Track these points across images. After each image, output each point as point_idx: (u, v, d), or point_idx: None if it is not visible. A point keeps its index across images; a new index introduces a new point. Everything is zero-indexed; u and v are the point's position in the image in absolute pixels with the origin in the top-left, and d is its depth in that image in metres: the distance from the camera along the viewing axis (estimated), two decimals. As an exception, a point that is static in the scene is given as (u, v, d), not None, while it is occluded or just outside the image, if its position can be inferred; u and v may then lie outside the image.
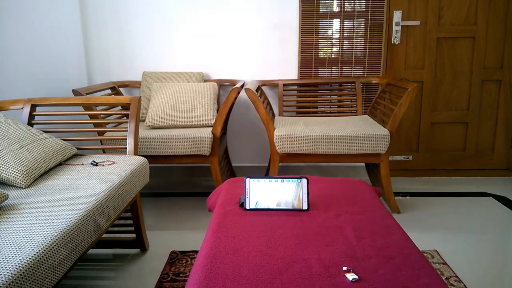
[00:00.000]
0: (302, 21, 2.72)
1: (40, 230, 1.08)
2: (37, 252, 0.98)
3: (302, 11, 2.71)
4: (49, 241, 1.04)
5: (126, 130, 1.83)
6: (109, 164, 1.66)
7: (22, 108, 1.89)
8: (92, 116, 2.16)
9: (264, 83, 2.76)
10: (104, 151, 2.22)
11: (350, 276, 0.94)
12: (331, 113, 2.76)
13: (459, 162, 2.96)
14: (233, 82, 2.72)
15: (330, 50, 2.77)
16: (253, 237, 1.15)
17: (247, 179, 1.36)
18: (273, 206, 1.34)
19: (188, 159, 2.22)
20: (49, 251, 1.02)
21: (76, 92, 2.13)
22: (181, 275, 1.71)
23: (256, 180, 1.36)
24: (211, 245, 1.11)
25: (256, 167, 2.97)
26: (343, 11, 2.71)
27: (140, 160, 1.73)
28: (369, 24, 2.72)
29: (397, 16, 2.71)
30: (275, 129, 2.20)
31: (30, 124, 1.87)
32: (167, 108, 2.33)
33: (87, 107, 2.08)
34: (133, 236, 1.95)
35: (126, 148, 1.82)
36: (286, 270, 0.98)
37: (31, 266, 0.94)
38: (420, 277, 0.95)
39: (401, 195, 2.59)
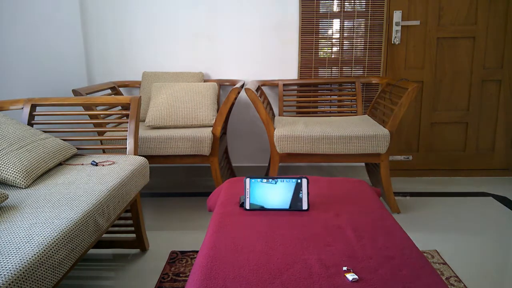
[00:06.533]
0: (302, 21, 2.72)
1: (40, 230, 1.08)
2: (37, 252, 0.98)
3: (302, 11, 2.71)
4: (49, 241, 1.04)
5: (126, 130, 1.83)
6: (109, 164, 1.65)
7: (22, 108, 1.89)
8: (92, 116, 2.16)
9: (264, 83, 2.76)
10: (104, 151, 2.22)
11: (350, 276, 0.94)
12: (331, 113, 2.76)
13: (459, 162, 2.96)
14: (233, 82, 2.72)
15: (330, 50, 2.77)
16: (253, 237, 1.15)
17: (247, 179, 1.36)
18: (273, 206, 1.34)
19: (188, 159, 2.22)
20: (49, 251, 1.02)
21: (76, 92, 2.13)
22: (181, 275, 1.71)
23: (256, 180, 1.36)
24: (211, 245, 1.11)
25: (256, 167, 2.97)
26: (343, 11, 2.71)
27: (140, 160, 1.73)
28: (369, 24, 2.72)
29: (397, 16, 2.71)
30: (275, 129, 2.20)
31: (30, 124, 1.87)
32: (167, 108, 2.33)
33: (87, 107, 2.08)
34: (133, 236, 1.95)
35: (126, 148, 1.82)
36: (286, 270, 0.98)
37: (31, 266, 0.94)
38: (420, 277, 0.95)
39: (401, 195, 2.59)
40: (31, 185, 1.43)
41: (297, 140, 2.15)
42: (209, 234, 1.18)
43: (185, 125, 2.33)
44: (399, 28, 2.73)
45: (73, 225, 1.15)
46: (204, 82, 2.72)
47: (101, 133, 2.21)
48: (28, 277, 0.93)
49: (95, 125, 2.18)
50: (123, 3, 2.74)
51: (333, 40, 2.75)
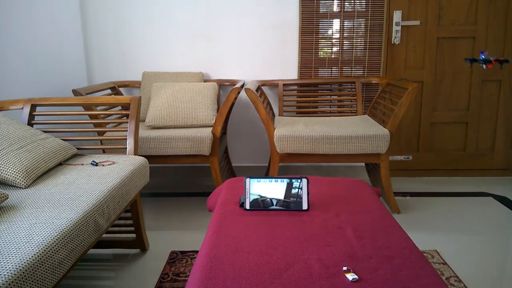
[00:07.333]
0: (302, 21, 2.72)
1: (40, 230, 1.08)
2: (37, 252, 0.98)
3: (302, 11, 2.71)
4: (49, 241, 1.04)
5: (126, 130, 1.83)
6: (109, 164, 1.65)
7: (22, 108, 1.89)
8: (92, 116, 2.16)
9: (264, 83, 2.76)
10: (104, 151, 2.22)
11: (350, 276, 0.94)
12: (331, 113, 2.76)
13: (459, 162, 2.96)
14: (233, 82, 2.72)
15: (330, 50, 2.77)
16: (253, 237, 1.15)
17: (247, 179, 1.36)
18: (273, 206, 1.34)
19: (188, 159, 2.22)
20: (49, 251, 1.02)
21: (76, 92, 2.13)
22: (181, 275, 1.71)
23: (256, 180, 1.36)
24: (211, 245, 1.11)
25: (256, 167, 2.97)
26: (343, 11, 2.71)
27: (140, 160, 1.73)
28: (369, 24, 2.72)
29: (397, 16, 2.71)
30: (275, 129, 2.20)
31: (30, 124, 1.87)
32: (167, 108, 2.33)
33: (87, 107, 2.08)
34: (133, 236, 1.95)
35: (126, 148, 1.82)
36: (286, 270, 0.98)
37: (31, 266, 0.94)
38: (420, 277, 0.95)
39: (401, 195, 2.59)
40: (31, 185, 1.43)
41: (297, 140, 2.15)
42: (209, 234, 1.18)
43: (185, 125, 2.33)
44: (399, 28, 2.73)
45: (73, 225, 1.15)
46: (204, 82, 2.72)
47: (101, 133, 2.21)
48: (28, 277, 0.93)
49: (95, 125, 2.18)
50: (123, 3, 2.74)
51: (333, 40, 2.75)
